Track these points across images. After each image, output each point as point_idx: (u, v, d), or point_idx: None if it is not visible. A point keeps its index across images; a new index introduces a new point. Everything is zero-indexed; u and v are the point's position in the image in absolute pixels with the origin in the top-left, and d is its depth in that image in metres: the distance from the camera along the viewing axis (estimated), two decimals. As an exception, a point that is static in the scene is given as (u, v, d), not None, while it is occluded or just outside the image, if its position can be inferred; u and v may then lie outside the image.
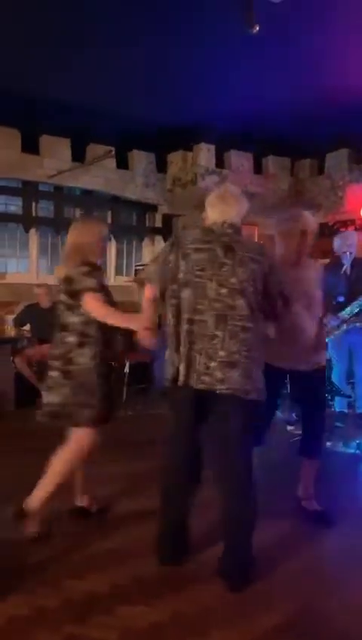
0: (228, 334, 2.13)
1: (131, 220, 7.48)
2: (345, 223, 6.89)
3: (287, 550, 2.51)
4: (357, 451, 3.98)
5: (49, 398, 2.59)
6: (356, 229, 6.81)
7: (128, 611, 2.04)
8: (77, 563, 2.38)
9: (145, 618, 2.00)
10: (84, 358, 2.52)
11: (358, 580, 2.29)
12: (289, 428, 4.46)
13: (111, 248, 7.19)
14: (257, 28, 3.66)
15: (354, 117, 5.87)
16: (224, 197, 2.34)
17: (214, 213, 2.31)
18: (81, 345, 2.52)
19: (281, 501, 2.94)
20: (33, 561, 2.38)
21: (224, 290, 2.14)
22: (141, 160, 7.00)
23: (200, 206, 7.43)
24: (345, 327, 4.36)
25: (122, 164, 6.91)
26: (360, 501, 3.25)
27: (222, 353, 2.12)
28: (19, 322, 5.70)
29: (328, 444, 4.11)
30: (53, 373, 2.57)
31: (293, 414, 4.58)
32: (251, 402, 2.16)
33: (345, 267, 4.41)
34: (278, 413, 3.66)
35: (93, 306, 2.46)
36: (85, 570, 2.31)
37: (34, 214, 6.53)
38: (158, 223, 7.42)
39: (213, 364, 2.12)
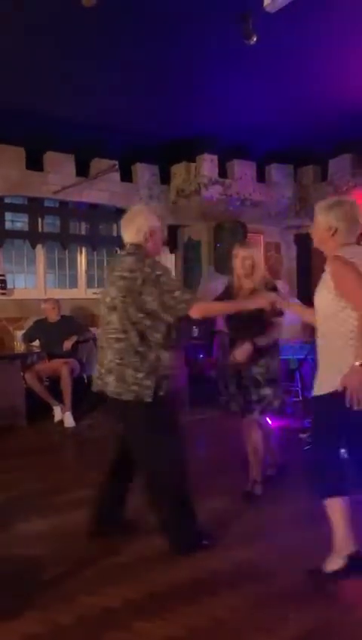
0: (107, 345, 2.50)
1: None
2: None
3: (301, 561, 2.48)
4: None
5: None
6: (360, 235, 6.82)
7: (143, 626, 2.02)
8: (90, 578, 2.37)
9: (161, 633, 1.99)
10: None
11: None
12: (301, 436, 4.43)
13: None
14: (255, 38, 3.71)
15: (356, 122, 5.90)
16: (123, 223, 2.64)
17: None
18: None
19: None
20: (47, 577, 2.38)
21: (104, 309, 2.53)
22: (144, 172, 7.06)
23: (205, 216, 7.51)
24: None
25: (126, 177, 6.97)
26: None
27: (105, 361, 2.51)
28: (28, 338, 5.74)
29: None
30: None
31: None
32: (128, 402, 2.44)
33: None
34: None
35: None
36: (99, 586, 2.30)
37: (40, 230, 6.60)
38: (163, 235, 7.46)
39: (102, 370, 2.53)
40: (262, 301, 2.65)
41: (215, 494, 3.22)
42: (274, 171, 7.47)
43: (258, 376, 3.20)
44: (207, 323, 7.47)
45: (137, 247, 2.53)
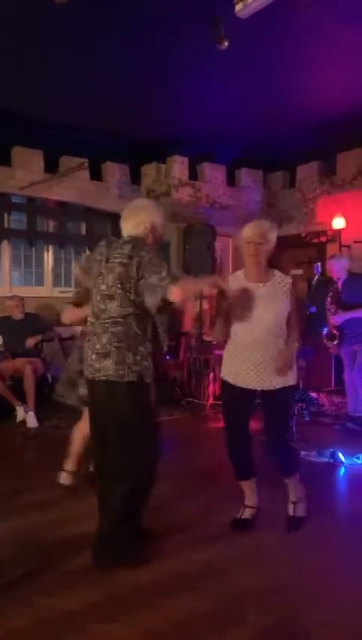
0: (102, 331, 2.44)
1: (106, 231, 7.45)
2: (317, 235, 7.03)
3: (255, 564, 2.51)
4: (331, 460, 4.02)
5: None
6: (328, 241, 6.97)
7: (100, 629, 2.00)
8: (49, 581, 2.33)
9: (117, 636, 1.97)
10: None
11: (333, 593, 2.30)
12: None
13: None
14: (226, 43, 3.74)
15: (324, 130, 6.02)
16: (124, 214, 2.58)
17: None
18: None
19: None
20: (4, 581, 2.32)
21: (98, 297, 2.47)
22: (115, 171, 7.02)
23: (175, 217, 7.53)
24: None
25: (96, 175, 6.91)
26: (333, 511, 3.28)
27: (98, 346, 2.43)
28: (-10, 335, 5.60)
29: (302, 453, 4.15)
30: None
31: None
32: (123, 385, 2.40)
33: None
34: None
35: None
36: (58, 589, 2.26)
37: (6, 226, 6.47)
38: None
39: (93, 356, 2.45)
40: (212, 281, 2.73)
41: (178, 497, 3.22)
42: (244, 176, 7.55)
43: None
44: (175, 324, 7.50)
45: (135, 238, 2.49)
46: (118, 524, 2.44)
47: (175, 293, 2.29)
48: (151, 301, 2.34)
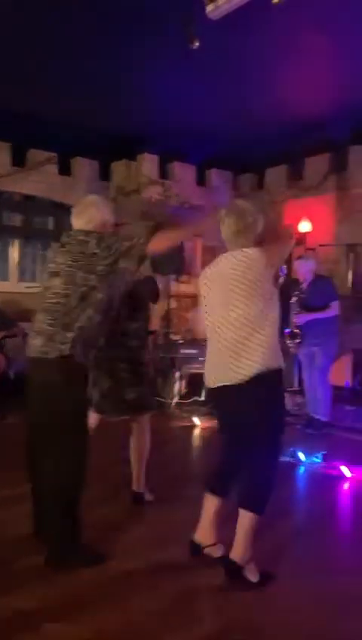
0: (42, 309, 2.47)
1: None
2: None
3: (212, 563, 2.51)
4: (291, 459, 4.08)
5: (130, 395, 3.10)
6: (294, 244, 7.07)
7: (53, 628, 1.98)
8: (3, 580, 2.29)
9: (71, 635, 1.95)
10: None
11: (290, 593, 2.34)
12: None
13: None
14: (197, 43, 3.75)
15: (293, 134, 6.11)
16: (74, 211, 2.61)
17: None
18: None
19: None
20: None
21: (46, 276, 2.53)
22: (84, 167, 6.94)
23: (144, 216, 7.49)
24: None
25: (65, 170, 6.82)
26: (292, 511, 3.33)
27: (36, 325, 2.48)
28: None
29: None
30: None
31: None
32: (53, 361, 2.37)
33: None
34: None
35: None
36: (12, 587, 2.23)
37: (-29, 219, 6.33)
38: (101, 231, 7.36)
39: (32, 333, 2.50)
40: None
41: (128, 496, 3.21)
42: (214, 176, 7.59)
43: None
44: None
45: (85, 233, 2.52)
46: (60, 522, 2.42)
47: (154, 245, 2.40)
48: (128, 263, 2.42)
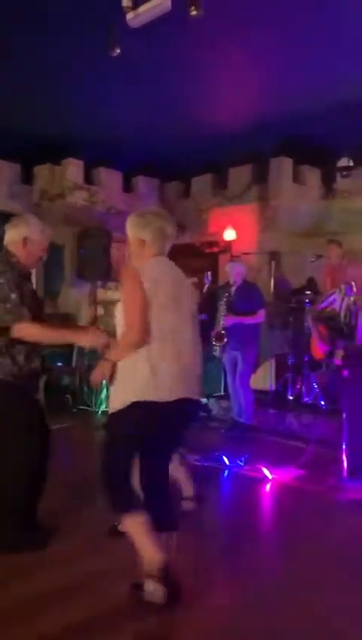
0: None
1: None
2: (210, 245, 7.26)
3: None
4: (216, 463, 4.13)
5: None
6: (220, 251, 7.23)
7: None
8: None
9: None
10: None
11: (215, 595, 2.36)
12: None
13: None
14: (118, 50, 3.74)
15: (218, 144, 6.26)
16: (7, 225, 2.67)
17: None
18: None
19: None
20: None
21: None
22: (4, 170, 6.72)
23: (69, 220, 7.37)
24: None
25: (-16, 173, 6.57)
26: (212, 513, 3.37)
27: None
28: None
29: (190, 457, 4.23)
30: None
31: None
32: None
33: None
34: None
35: None
36: None
37: None
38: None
39: None
40: (91, 339, 2.49)
41: (69, 504, 3.15)
42: (141, 183, 7.61)
43: None
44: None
45: (7, 251, 2.62)
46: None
47: (15, 332, 2.43)
48: None
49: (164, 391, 2.12)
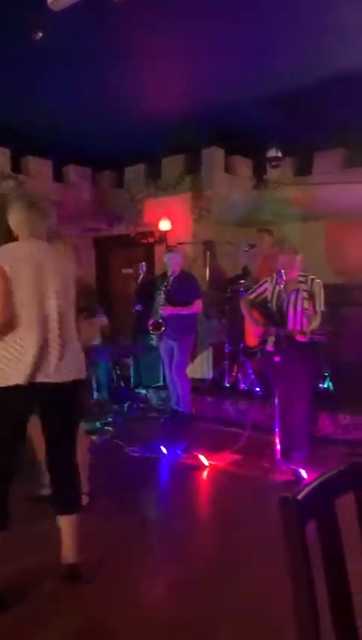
0: None
1: None
2: (146, 235, 7.22)
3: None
4: (154, 453, 4.15)
5: None
6: (155, 242, 7.20)
7: None
8: None
9: None
10: None
11: (142, 591, 2.37)
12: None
13: None
14: (40, 34, 3.61)
15: (149, 133, 6.19)
16: None
17: None
18: None
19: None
20: None
21: None
22: None
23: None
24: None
25: None
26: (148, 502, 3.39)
27: None
28: None
29: (128, 448, 4.24)
30: None
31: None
32: None
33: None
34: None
35: None
36: None
37: None
38: None
39: None
40: None
41: None
42: (72, 172, 7.42)
43: None
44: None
45: None
46: None
47: None
48: None
49: (25, 375, 2.14)
